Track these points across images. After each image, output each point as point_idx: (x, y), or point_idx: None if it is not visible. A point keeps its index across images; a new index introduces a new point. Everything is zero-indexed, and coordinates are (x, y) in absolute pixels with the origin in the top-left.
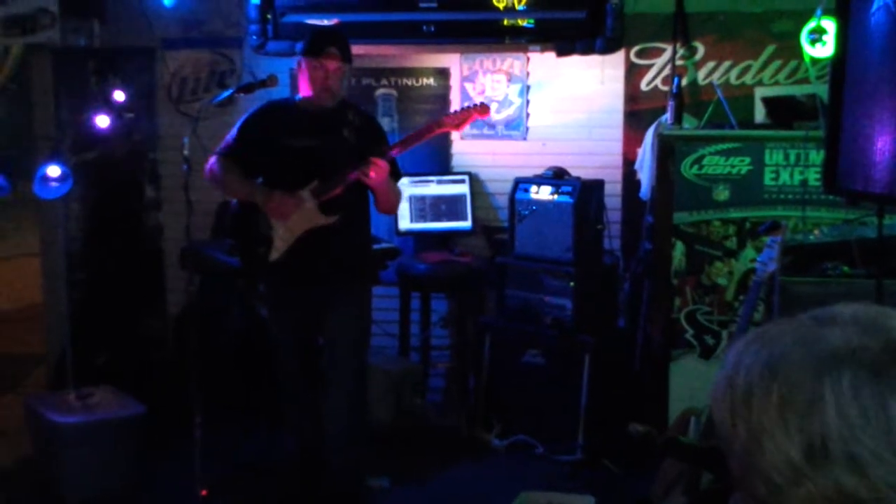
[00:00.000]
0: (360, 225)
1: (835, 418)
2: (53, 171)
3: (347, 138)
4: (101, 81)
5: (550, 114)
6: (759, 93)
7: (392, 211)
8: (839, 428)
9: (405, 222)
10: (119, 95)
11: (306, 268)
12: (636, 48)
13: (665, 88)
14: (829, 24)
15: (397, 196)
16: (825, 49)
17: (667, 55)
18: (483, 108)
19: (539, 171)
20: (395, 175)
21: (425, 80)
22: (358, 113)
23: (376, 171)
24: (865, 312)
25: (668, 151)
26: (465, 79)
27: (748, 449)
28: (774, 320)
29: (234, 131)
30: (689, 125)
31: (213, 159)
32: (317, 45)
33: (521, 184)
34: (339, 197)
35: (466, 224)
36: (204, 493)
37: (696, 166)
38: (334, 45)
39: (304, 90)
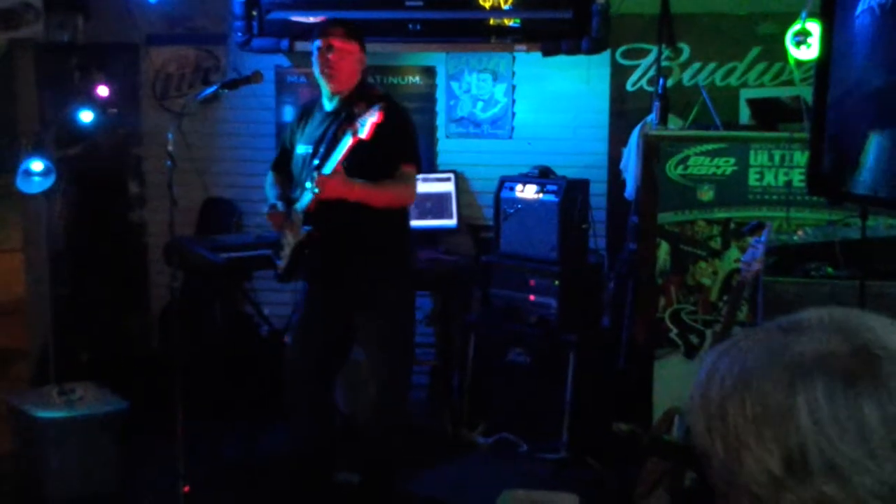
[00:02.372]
0: (369, 227)
1: (810, 427)
2: (37, 165)
3: (341, 137)
4: (85, 77)
5: (536, 113)
6: (744, 94)
7: (393, 205)
8: (816, 437)
9: None
10: (103, 91)
11: (329, 269)
12: (622, 49)
13: (650, 89)
14: (814, 27)
15: (388, 195)
16: (810, 51)
17: (652, 56)
18: (378, 113)
19: (524, 170)
20: (385, 161)
21: (411, 78)
22: (368, 102)
23: (323, 190)
24: (832, 316)
25: (653, 152)
26: (450, 77)
27: (727, 463)
28: (745, 331)
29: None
30: (675, 126)
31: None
32: (321, 27)
33: (506, 182)
34: (323, 211)
35: (452, 222)
36: (186, 489)
37: (681, 166)
38: (339, 26)
39: (320, 79)
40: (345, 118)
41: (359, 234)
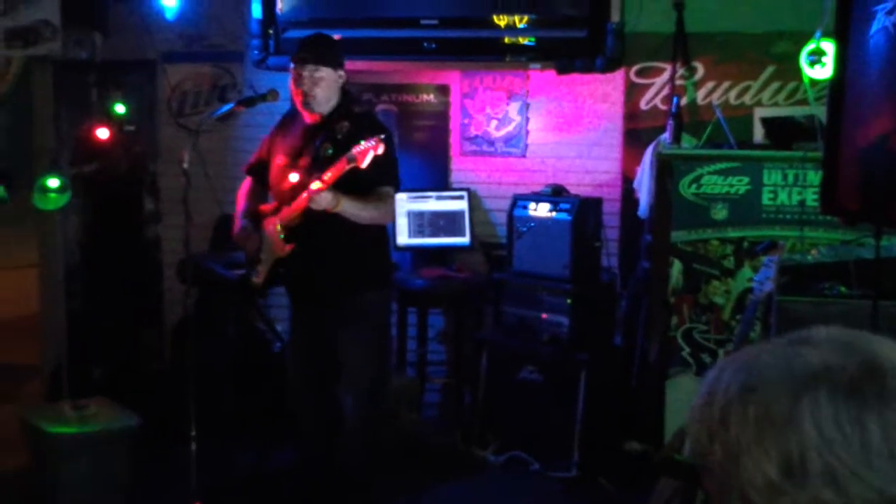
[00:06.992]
0: (348, 237)
1: (813, 436)
2: (53, 182)
3: (323, 154)
4: (102, 94)
5: (550, 131)
6: (758, 113)
7: (374, 222)
8: (817, 445)
9: (403, 237)
10: (120, 108)
11: (306, 285)
12: (636, 67)
13: (664, 108)
14: (829, 46)
15: (367, 211)
16: (824, 71)
17: (666, 75)
18: (378, 143)
19: (538, 189)
20: (368, 182)
21: (425, 97)
22: (351, 120)
23: (313, 202)
24: (841, 334)
25: (666, 170)
26: (465, 95)
27: (725, 467)
28: (755, 343)
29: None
30: (688, 144)
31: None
32: (295, 52)
33: (519, 200)
34: (303, 225)
35: (465, 240)
36: None
37: (694, 185)
38: (306, 51)
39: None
40: (326, 135)
41: (337, 249)
